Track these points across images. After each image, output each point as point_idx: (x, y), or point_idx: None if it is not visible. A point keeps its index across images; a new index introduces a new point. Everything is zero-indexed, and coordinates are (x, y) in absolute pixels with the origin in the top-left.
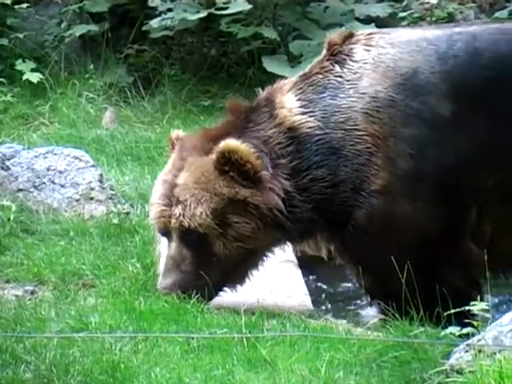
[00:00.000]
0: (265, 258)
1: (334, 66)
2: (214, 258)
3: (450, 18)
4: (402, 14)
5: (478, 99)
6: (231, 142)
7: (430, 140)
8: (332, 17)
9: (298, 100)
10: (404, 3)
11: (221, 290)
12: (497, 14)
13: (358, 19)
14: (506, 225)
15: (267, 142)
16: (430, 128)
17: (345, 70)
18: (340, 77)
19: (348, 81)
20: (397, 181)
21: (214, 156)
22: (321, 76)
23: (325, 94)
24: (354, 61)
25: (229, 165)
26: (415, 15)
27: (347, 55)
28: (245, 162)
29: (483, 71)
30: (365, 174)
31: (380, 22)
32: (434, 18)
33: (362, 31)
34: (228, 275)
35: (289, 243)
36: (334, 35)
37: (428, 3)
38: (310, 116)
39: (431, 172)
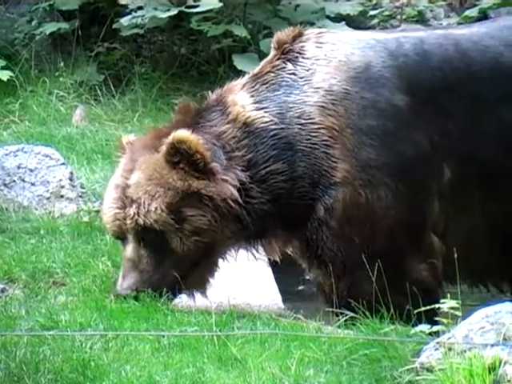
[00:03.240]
0: (221, 259)
1: (286, 63)
2: (171, 255)
3: (420, 17)
4: (372, 13)
5: (429, 97)
6: (180, 133)
7: (389, 130)
8: (303, 15)
9: (252, 97)
10: (374, 1)
11: (180, 291)
12: (467, 12)
13: (328, 17)
14: (456, 220)
15: (220, 137)
16: (387, 118)
17: (298, 68)
18: (293, 74)
19: (302, 78)
20: (357, 171)
21: (163, 149)
22: (273, 74)
23: (279, 92)
24: (306, 58)
25: (178, 156)
26: (386, 13)
27: (299, 53)
28: (194, 153)
29: (433, 72)
30: (323, 168)
31: (351, 21)
32: (404, 16)
33: (311, 30)
34: (186, 275)
35: (244, 244)
36: (282, 34)
37: (398, 1)
38: (265, 112)
39: (392, 161)
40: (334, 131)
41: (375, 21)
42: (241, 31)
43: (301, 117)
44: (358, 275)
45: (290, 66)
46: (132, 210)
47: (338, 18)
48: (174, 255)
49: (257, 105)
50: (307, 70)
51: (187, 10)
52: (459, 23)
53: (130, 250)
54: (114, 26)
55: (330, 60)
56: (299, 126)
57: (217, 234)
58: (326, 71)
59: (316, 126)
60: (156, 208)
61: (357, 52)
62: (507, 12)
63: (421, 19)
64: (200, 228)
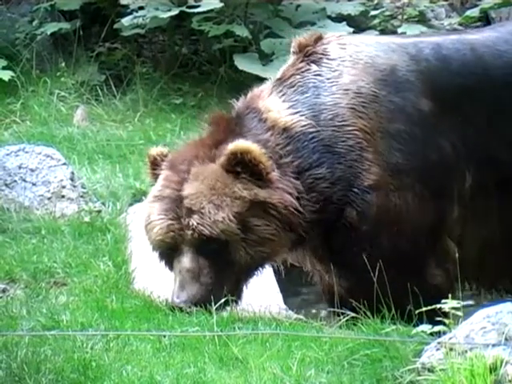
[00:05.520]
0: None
1: (310, 65)
2: (231, 266)
3: (421, 17)
4: (373, 13)
5: (450, 102)
6: (243, 143)
7: (415, 135)
8: (304, 15)
9: (284, 102)
10: (375, 1)
11: (239, 297)
12: (468, 13)
13: (329, 17)
14: (473, 225)
15: (266, 145)
16: (414, 123)
17: (323, 69)
18: (319, 75)
19: (328, 79)
20: (388, 175)
21: (222, 159)
22: (299, 77)
23: (308, 94)
24: (331, 59)
25: (240, 166)
26: (387, 13)
27: (323, 54)
28: (258, 163)
29: (453, 77)
30: (358, 170)
31: (352, 21)
32: (405, 16)
33: (331, 33)
34: (241, 283)
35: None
36: (302, 38)
37: (399, 1)
38: (301, 115)
39: (418, 166)
40: (366, 134)
41: (376, 21)
42: (242, 31)
43: (334, 119)
44: (381, 279)
45: (314, 67)
46: (194, 221)
47: (339, 18)
48: (233, 266)
49: (291, 109)
50: (333, 71)
51: (188, 10)
52: (460, 23)
53: (187, 260)
54: (115, 26)
55: (356, 61)
56: (333, 128)
57: (277, 245)
58: (352, 73)
59: (350, 128)
60: (224, 218)
61: (381, 54)
62: (508, 12)
63: (422, 19)
64: (265, 238)
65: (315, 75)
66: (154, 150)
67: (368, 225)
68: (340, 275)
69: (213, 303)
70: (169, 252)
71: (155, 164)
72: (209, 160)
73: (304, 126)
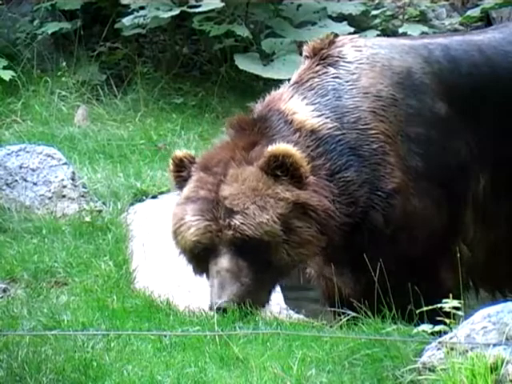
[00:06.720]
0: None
1: (327, 68)
2: (270, 266)
3: (422, 16)
4: (374, 12)
5: (461, 104)
6: (283, 146)
7: (432, 138)
8: (304, 15)
9: (307, 105)
10: (376, 1)
11: (269, 299)
12: (469, 12)
13: (330, 17)
14: (483, 228)
15: (297, 147)
16: (432, 126)
17: (341, 71)
18: (338, 78)
19: (347, 81)
20: (409, 179)
21: (261, 161)
22: (317, 80)
23: (329, 96)
24: (347, 62)
25: (281, 169)
26: (388, 13)
27: (339, 57)
28: (299, 166)
29: (464, 78)
30: (381, 173)
31: (352, 20)
32: (406, 16)
33: (343, 36)
34: (275, 285)
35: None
36: (314, 42)
37: (400, 1)
38: (326, 118)
39: (436, 170)
40: (388, 138)
41: (377, 20)
42: (243, 31)
43: (357, 122)
44: (399, 283)
45: (332, 70)
46: (236, 221)
47: (339, 18)
48: (272, 267)
49: (316, 112)
50: (351, 74)
51: (189, 10)
52: (461, 23)
53: (226, 261)
54: (116, 26)
55: (373, 64)
56: (357, 131)
57: (316, 247)
58: (371, 75)
59: (373, 132)
60: (268, 219)
61: (397, 57)
62: (510, 12)
63: (423, 19)
64: (305, 239)
65: (333, 78)
66: (180, 152)
67: (391, 228)
68: (356, 278)
69: (253, 304)
70: (203, 254)
71: (181, 166)
72: (246, 162)
73: (330, 128)
